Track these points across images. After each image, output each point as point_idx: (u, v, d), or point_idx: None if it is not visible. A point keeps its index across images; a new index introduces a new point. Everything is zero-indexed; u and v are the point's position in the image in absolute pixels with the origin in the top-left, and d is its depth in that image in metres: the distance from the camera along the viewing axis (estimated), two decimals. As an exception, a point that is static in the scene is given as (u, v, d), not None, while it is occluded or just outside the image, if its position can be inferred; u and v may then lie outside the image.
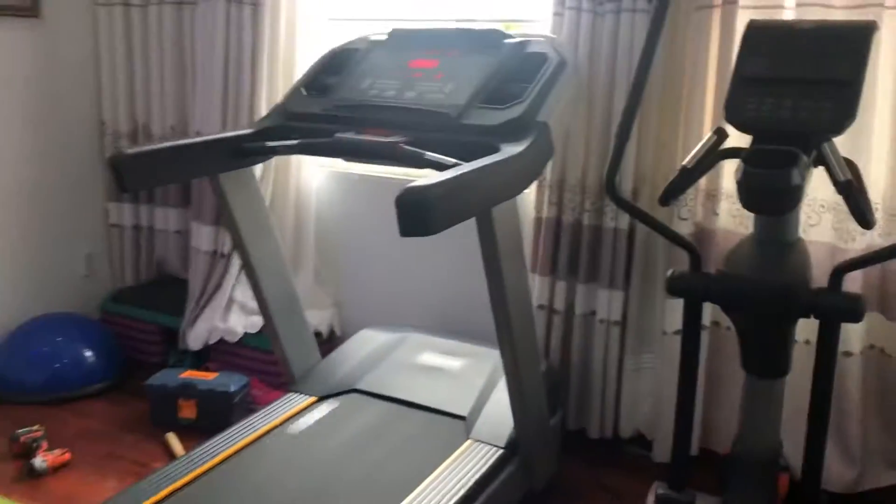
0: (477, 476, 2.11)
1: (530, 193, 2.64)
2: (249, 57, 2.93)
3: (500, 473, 2.20)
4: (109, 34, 3.30)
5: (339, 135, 2.09)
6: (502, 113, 2.02)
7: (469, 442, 2.27)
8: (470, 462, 2.18)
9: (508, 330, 2.07)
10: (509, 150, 1.88)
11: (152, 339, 3.30)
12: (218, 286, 3.11)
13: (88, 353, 3.12)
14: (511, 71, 2.15)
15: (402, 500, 1.97)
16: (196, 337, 3.10)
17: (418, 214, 1.53)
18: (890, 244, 1.80)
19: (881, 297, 2.26)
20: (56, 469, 2.56)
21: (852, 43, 1.78)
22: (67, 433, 2.78)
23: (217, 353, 3.17)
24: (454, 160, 1.88)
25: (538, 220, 2.63)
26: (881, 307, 2.27)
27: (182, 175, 2.39)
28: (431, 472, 2.11)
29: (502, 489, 2.19)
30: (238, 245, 2.40)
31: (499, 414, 2.36)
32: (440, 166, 1.88)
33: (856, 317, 1.79)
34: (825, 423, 1.97)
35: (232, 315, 3.10)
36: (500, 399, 2.39)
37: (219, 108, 3.01)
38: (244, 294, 3.11)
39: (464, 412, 2.39)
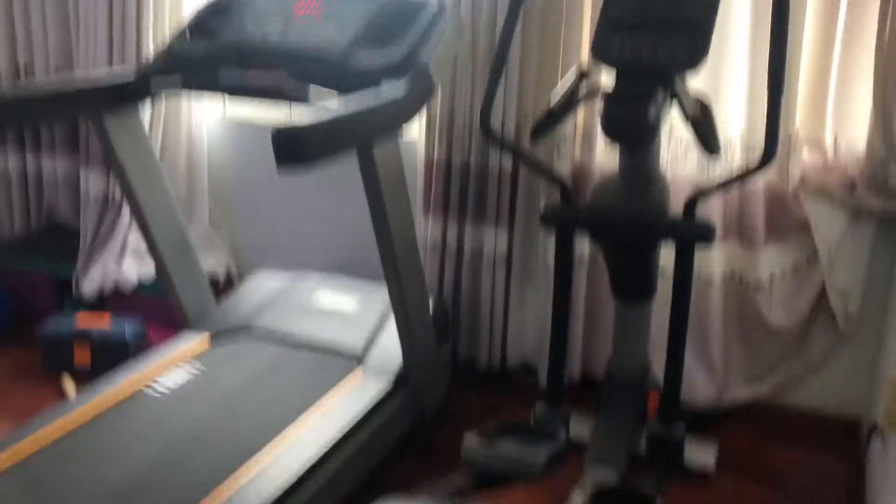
0: (365, 406, 2.21)
1: (421, 136, 2.72)
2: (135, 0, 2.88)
3: (389, 404, 2.31)
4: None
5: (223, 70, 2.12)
6: (382, 53, 2.08)
7: (360, 374, 2.37)
8: (359, 393, 2.27)
9: (394, 266, 2.16)
10: (388, 88, 1.94)
11: (44, 289, 3.25)
12: (110, 232, 3.08)
13: (-25, 305, 3.07)
14: (392, 14, 2.21)
15: (287, 429, 2.05)
16: (90, 284, 3.08)
17: (293, 148, 1.58)
18: (732, 175, 1.96)
19: (739, 229, 2.45)
20: (-54, 417, 2.54)
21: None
22: (-43, 382, 2.75)
23: (113, 302, 3.16)
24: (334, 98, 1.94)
25: (429, 162, 2.72)
26: (739, 237, 2.46)
27: (62, 114, 2.35)
28: (320, 403, 2.20)
29: (391, 418, 2.30)
30: (125, 189, 2.40)
31: (389, 349, 2.46)
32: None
33: (707, 239, 1.96)
34: (683, 341, 2.15)
35: (126, 262, 3.08)
36: (392, 335, 2.50)
37: (104, 51, 2.95)
38: (138, 240, 3.09)
39: (356, 349, 2.48)
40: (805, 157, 2.37)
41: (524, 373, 2.84)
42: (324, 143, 1.64)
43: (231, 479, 1.84)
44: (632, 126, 1.85)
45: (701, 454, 2.38)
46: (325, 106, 1.70)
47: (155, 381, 2.29)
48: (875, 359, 2.46)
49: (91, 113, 2.22)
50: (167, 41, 2.40)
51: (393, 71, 2.04)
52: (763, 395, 2.58)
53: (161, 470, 1.88)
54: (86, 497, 1.77)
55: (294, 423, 2.09)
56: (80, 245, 3.14)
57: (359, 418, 2.16)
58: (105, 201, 3.10)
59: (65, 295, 3.21)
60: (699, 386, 2.55)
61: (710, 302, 2.48)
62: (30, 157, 3.33)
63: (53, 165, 3.30)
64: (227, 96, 2.19)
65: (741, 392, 2.58)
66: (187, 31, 2.37)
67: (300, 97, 2.01)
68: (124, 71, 2.28)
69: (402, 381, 2.37)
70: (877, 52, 2.17)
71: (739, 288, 2.52)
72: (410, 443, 2.44)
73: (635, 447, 2.29)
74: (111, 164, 2.37)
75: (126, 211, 3.06)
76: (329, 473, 1.98)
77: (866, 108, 2.26)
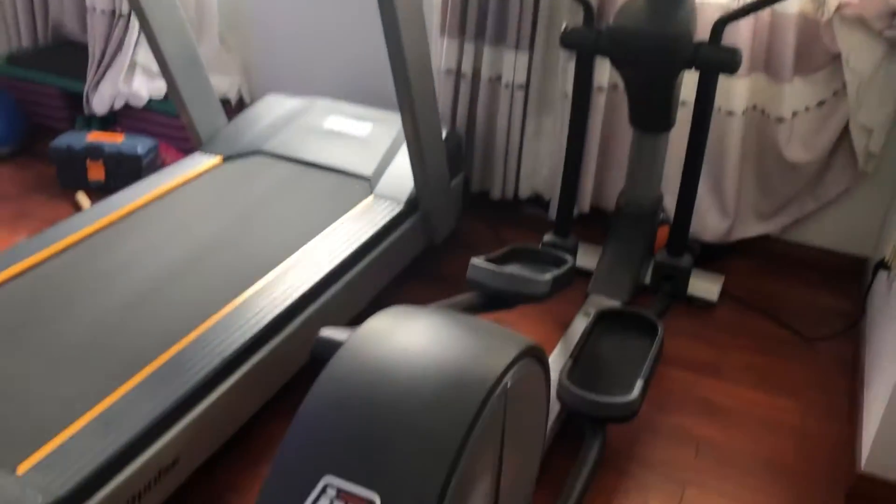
0: (378, 227, 2.23)
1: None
2: None
3: (401, 226, 2.34)
4: None
5: None
6: None
7: (371, 198, 2.38)
8: (372, 215, 2.29)
9: (407, 90, 2.10)
10: None
11: (55, 103, 3.22)
12: (118, 48, 3.01)
13: (-11, 117, 3.05)
14: None
15: (302, 247, 2.09)
16: (100, 100, 3.04)
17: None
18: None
19: (766, 61, 2.36)
20: (-34, 227, 2.59)
21: None
22: (-26, 194, 2.79)
23: (124, 119, 3.14)
24: None
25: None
26: (765, 68, 2.37)
27: None
28: (333, 223, 2.22)
29: (403, 240, 2.33)
30: (134, 4, 2.31)
31: (401, 174, 2.45)
32: None
33: (732, 67, 1.89)
34: (697, 173, 2.13)
35: (136, 78, 3.03)
36: (403, 161, 2.48)
37: None
38: (147, 57, 3.02)
39: (368, 172, 2.47)
40: (844, -16, 2.24)
41: (536, 204, 2.84)
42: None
43: (247, 291, 1.89)
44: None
45: (706, 285, 2.42)
46: None
47: (170, 197, 2.30)
48: (890, 199, 2.43)
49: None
50: None
51: None
52: (773, 231, 2.58)
53: (177, 280, 1.92)
54: (100, 303, 1.83)
55: (309, 240, 2.12)
56: (89, 60, 3.07)
57: (370, 238, 2.19)
58: (112, 15, 3.00)
59: (76, 111, 3.19)
60: (710, 220, 2.55)
61: (729, 136, 2.43)
62: (32, -35, 3.21)
63: (57, -25, 3.18)
64: None
65: (752, 228, 2.58)
66: None
67: None
68: None
69: (412, 206, 2.38)
70: None
71: (760, 123, 2.45)
72: (420, 268, 2.49)
73: (641, 277, 2.32)
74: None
75: (135, 26, 2.97)
76: (342, 287, 2.03)
77: (917, -69, 2.10)
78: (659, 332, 1.93)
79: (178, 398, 1.57)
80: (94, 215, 2.18)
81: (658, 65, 1.94)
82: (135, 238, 2.09)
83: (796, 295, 2.49)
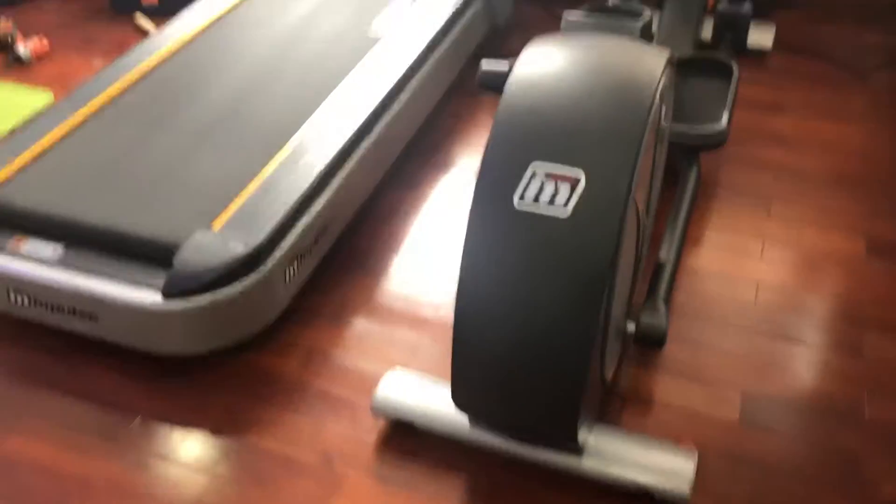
0: (445, 16, 2.31)
1: None
2: None
3: (466, 12, 2.42)
4: None
5: None
6: None
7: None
8: (437, 4, 2.36)
9: None
10: None
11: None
12: None
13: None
14: None
15: (387, 34, 2.18)
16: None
17: None
18: None
19: None
20: (39, 58, 2.66)
21: None
22: (35, 28, 2.83)
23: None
24: None
25: None
26: None
27: None
28: (404, 12, 2.30)
29: (468, 27, 2.41)
30: None
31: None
32: None
33: None
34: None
35: None
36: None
37: None
38: None
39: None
40: None
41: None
42: None
43: (348, 76, 2.02)
44: None
45: (759, 34, 2.55)
46: None
47: (239, 10, 2.36)
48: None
49: None
50: None
51: None
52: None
53: (265, 86, 2.02)
54: (225, 94, 1.96)
55: (385, 33, 2.21)
56: None
57: (447, 21, 2.28)
58: None
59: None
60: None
61: None
62: None
63: None
64: None
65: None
66: None
67: None
68: None
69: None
70: None
71: None
72: (485, 51, 2.59)
73: (700, 33, 2.44)
74: None
75: None
76: (431, 67, 2.15)
77: None
78: (734, 72, 2.08)
79: (322, 170, 1.74)
80: (177, 31, 2.26)
81: None
82: (223, 48, 2.18)
83: (843, 36, 2.62)
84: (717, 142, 1.89)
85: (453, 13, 2.34)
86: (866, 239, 1.86)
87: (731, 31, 2.41)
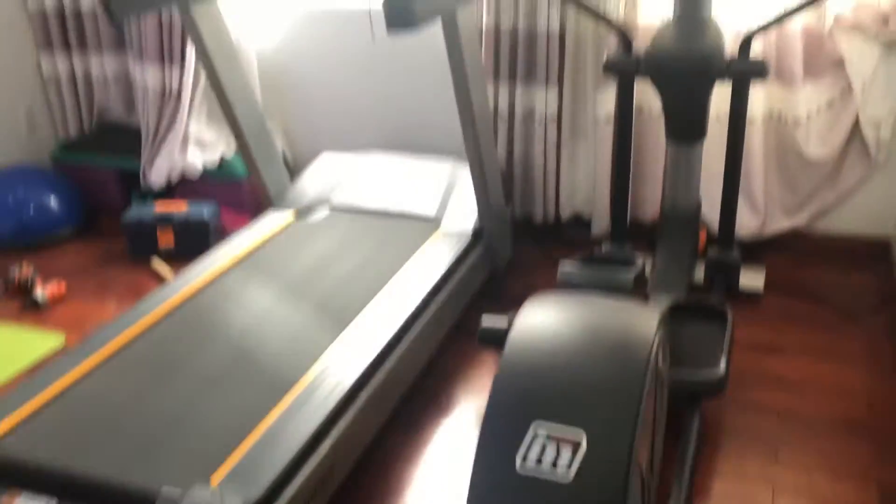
0: (449, 261, 2.42)
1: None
2: None
3: (468, 258, 2.54)
4: None
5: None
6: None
7: (439, 233, 2.58)
8: (441, 250, 2.49)
9: (473, 126, 2.34)
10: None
11: (110, 182, 3.42)
12: (171, 124, 3.22)
13: (51, 200, 3.24)
14: None
15: (388, 284, 2.28)
16: (157, 174, 3.25)
17: (403, 11, 1.74)
18: (785, 11, 2.12)
19: (778, 70, 2.63)
20: (55, 302, 2.75)
21: None
22: (54, 272, 2.96)
23: (179, 191, 3.34)
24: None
25: (478, 30, 2.85)
26: (778, 78, 2.64)
27: (160, 2, 2.38)
28: (409, 260, 2.41)
29: (473, 268, 2.53)
30: (211, 76, 2.53)
31: (462, 211, 2.67)
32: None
33: (762, 74, 2.14)
34: (738, 174, 2.37)
35: (190, 151, 3.24)
36: (461, 199, 2.70)
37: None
38: (198, 129, 3.24)
39: (433, 214, 2.68)
40: (839, -3, 2.53)
41: (577, 225, 3.07)
42: (426, 6, 1.80)
43: (350, 327, 2.07)
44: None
45: (751, 278, 2.65)
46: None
47: (258, 253, 2.49)
48: (904, 182, 2.69)
49: (181, 2, 2.32)
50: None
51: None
52: (800, 224, 2.82)
53: (276, 330, 2.09)
54: (208, 362, 2.01)
55: (392, 278, 2.31)
56: (143, 138, 3.29)
57: (444, 273, 2.38)
58: (163, 94, 3.23)
59: (131, 187, 3.39)
60: (744, 219, 2.78)
61: (752, 141, 2.68)
62: (76, 58, 3.44)
63: (102, 65, 3.40)
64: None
65: (781, 223, 2.82)
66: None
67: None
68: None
69: (477, 237, 2.59)
70: None
71: (779, 126, 2.72)
72: (484, 293, 2.68)
73: (692, 277, 2.54)
74: (198, 53, 2.49)
75: (185, 102, 3.19)
76: (430, 317, 2.21)
77: (898, -56, 2.40)
78: (729, 317, 2.14)
79: (324, 418, 1.74)
80: (194, 276, 2.36)
81: (695, 80, 2.19)
82: (237, 291, 2.28)
83: (831, 279, 2.72)
84: (717, 388, 1.90)
85: (456, 258, 2.45)
86: (879, 487, 1.82)
87: (723, 275, 2.50)
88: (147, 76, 3.21)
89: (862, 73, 2.58)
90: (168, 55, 3.16)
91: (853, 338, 2.39)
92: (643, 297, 2.32)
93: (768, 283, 2.67)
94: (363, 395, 1.87)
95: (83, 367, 1.92)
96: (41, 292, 2.71)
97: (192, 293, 2.27)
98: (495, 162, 2.55)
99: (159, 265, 2.95)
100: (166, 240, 3.02)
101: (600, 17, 2.32)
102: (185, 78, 3.15)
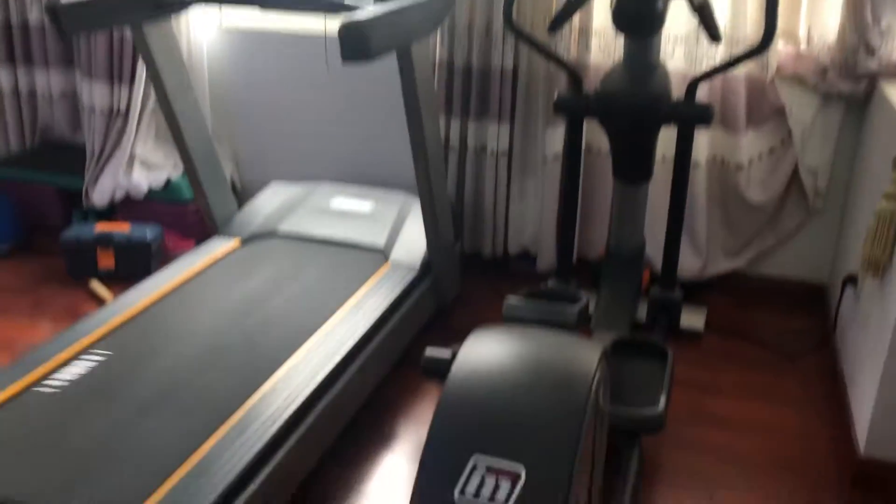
0: (396, 294, 2.41)
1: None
2: None
3: (416, 291, 2.53)
4: None
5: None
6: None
7: (388, 266, 2.57)
8: (389, 283, 2.47)
9: (424, 160, 2.35)
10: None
11: (50, 201, 3.33)
12: (118, 143, 3.16)
13: (-12, 217, 3.14)
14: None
15: (332, 316, 2.25)
16: (101, 194, 3.17)
17: (358, 41, 1.75)
18: (730, 59, 2.19)
19: (722, 116, 2.71)
20: (-15, 321, 2.66)
21: None
22: (-13, 290, 2.86)
23: (122, 211, 3.27)
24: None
25: (433, 65, 2.88)
26: (722, 124, 2.72)
27: (112, 20, 2.35)
28: (356, 292, 2.39)
29: (416, 307, 2.52)
30: (161, 96, 2.50)
31: (410, 244, 2.67)
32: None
33: (707, 119, 2.20)
34: (682, 215, 2.42)
35: (135, 171, 3.18)
36: (411, 232, 2.70)
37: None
38: (145, 150, 3.19)
39: (381, 245, 2.67)
40: (780, 49, 2.62)
41: (524, 260, 3.09)
42: (382, 38, 1.81)
43: (292, 359, 2.03)
44: (641, 16, 2.05)
45: (692, 317, 2.69)
46: (378, 6, 1.85)
47: (199, 278, 2.45)
48: (840, 228, 2.78)
49: (134, 19, 2.30)
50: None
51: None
52: (741, 266, 2.89)
53: (215, 359, 2.04)
54: (144, 389, 1.96)
55: (337, 309, 2.28)
56: (88, 156, 3.22)
57: (393, 302, 2.37)
58: (110, 113, 3.18)
59: (72, 206, 3.31)
60: (686, 260, 2.84)
61: (696, 184, 2.75)
62: (21, 71, 3.36)
63: (48, 81, 3.33)
64: (259, 7, 2.29)
65: (722, 264, 2.88)
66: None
67: (335, 8, 2.13)
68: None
69: (426, 270, 2.59)
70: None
71: (722, 170, 2.79)
72: (431, 326, 2.67)
73: (635, 315, 2.57)
74: (149, 72, 2.46)
75: (132, 122, 3.14)
76: (375, 348, 2.20)
77: (837, 1, 2.51)
78: (670, 356, 2.17)
79: (261, 448, 1.70)
80: (135, 298, 2.31)
81: (643, 122, 2.24)
82: (177, 317, 2.23)
83: (769, 320, 2.78)
84: (655, 426, 1.91)
85: (403, 291, 2.44)
86: (812, 527, 1.85)
87: (665, 313, 2.54)
88: (94, 94, 3.15)
89: (801, 122, 2.67)
90: (118, 74, 3.12)
91: (788, 378, 2.45)
92: (586, 333, 2.34)
93: (708, 323, 2.72)
94: (301, 428, 1.84)
95: (10, 391, 1.85)
96: (-29, 311, 2.62)
97: (130, 317, 2.22)
98: (446, 196, 2.56)
99: (98, 287, 2.87)
100: (106, 261, 2.94)
101: (552, 56, 2.36)
102: (133, 97, 3.10)
